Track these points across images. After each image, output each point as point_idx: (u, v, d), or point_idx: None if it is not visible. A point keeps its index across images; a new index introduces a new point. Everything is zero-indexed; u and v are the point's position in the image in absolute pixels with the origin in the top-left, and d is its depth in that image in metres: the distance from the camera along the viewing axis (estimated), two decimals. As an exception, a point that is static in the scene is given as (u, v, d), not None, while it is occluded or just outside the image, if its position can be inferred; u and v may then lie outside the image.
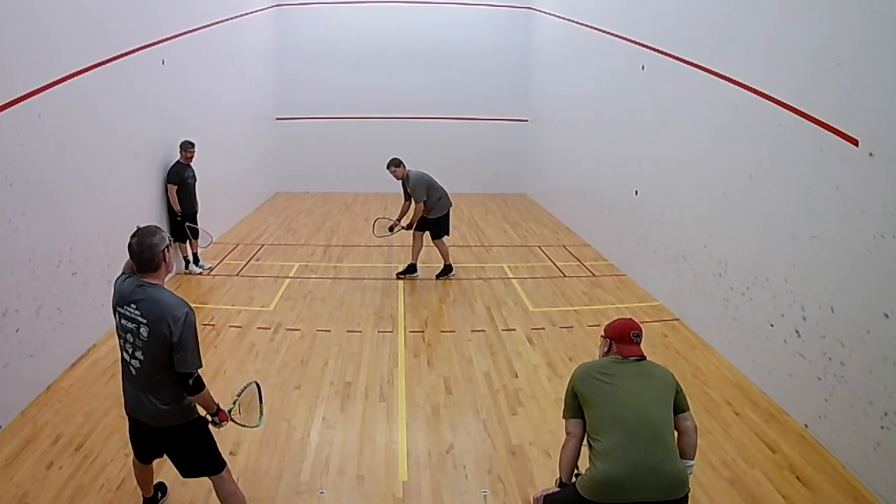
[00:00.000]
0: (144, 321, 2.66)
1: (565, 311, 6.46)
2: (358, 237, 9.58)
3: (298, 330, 5.86)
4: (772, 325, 4.62)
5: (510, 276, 7.68)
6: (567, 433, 2.81)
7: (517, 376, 5.00)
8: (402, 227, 7.31)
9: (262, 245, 8.91)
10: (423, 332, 5.89)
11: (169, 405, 2.76)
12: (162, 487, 3.40)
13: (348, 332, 5.86)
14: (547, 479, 3.64)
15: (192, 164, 7.19)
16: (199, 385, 2.79)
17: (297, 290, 7.03)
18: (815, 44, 4.18)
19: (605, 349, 2.90)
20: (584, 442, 2.73)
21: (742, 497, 3.51)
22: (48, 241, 4.60)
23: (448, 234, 7.54)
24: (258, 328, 5.88)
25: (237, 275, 7.49)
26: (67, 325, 4.85)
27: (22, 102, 4.26)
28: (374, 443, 4.04)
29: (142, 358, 2.71)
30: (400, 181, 7.33)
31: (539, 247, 9.15)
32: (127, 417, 2.95)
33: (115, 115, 5.76)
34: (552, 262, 8.29)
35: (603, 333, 2.94)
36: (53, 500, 3.34)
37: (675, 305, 6.37)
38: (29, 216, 4.35)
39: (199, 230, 7.36)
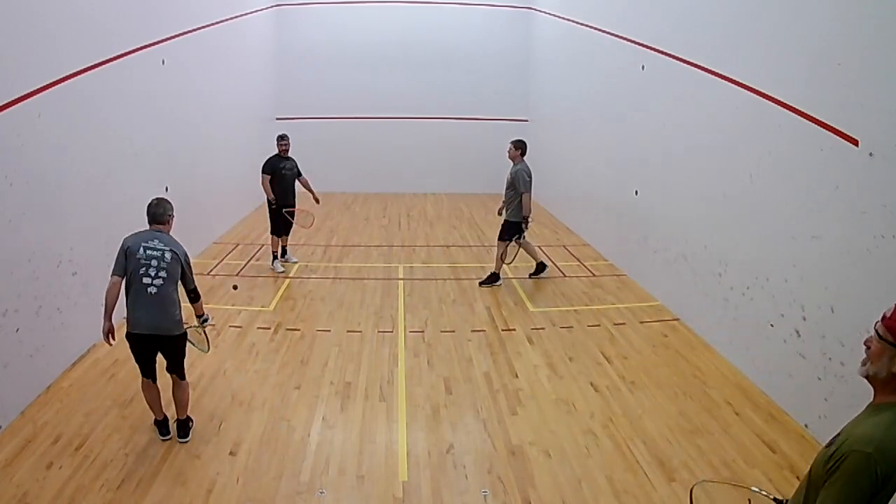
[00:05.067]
0: (167, 248, 3.84)
1: (565, 311, 6.46)
2: (358, 237, 9.58)
3: (298, 330, 5.86)
4: (772, 326, 4.62)
5: (510, 276, 7.67)
6: None
7: (517, 376, 5.00)
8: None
9: (262, 245, 8.89)
10: (423, 332, 5.89)
11: (177, 315, 3.86)
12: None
13: (348, 332, 5.86)
14: (547, 479, 3.66)
15: (290, 155, 7.56)
16: (198, 294, 4.11)
17: (297, 290, 7.03)
18: (815, 44, 4.18)
19: (889, 362, 1.79)
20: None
21: (742, 497, 3.51)
22: (48, 241, 4.60)
23: (511, 241, 7.09)
24: (258, 328, 5.88)
25: (237, 275, 7.48)
26: (67, 325, 4.85)
27: (22, 102, 4.26)
28: (374, 443, 4.04)
29: (164, 276, 3.80)
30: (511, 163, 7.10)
31: (539, 247, 9.13)
32: (130, 340, 3.82)
33: (115, 116, 5.76)
34: (552, 262, 8.28)
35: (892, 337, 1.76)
36: (53, 500, 3.34)
37: (675, 305, 6.37)
38: (29, 216, 4.35)
39: (297, 211, 7.77)
